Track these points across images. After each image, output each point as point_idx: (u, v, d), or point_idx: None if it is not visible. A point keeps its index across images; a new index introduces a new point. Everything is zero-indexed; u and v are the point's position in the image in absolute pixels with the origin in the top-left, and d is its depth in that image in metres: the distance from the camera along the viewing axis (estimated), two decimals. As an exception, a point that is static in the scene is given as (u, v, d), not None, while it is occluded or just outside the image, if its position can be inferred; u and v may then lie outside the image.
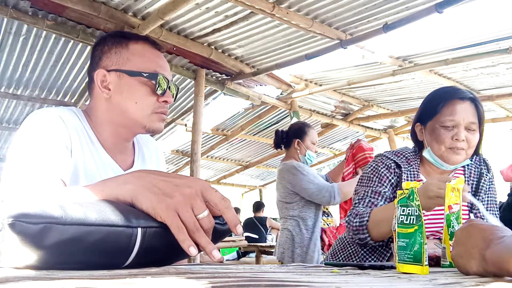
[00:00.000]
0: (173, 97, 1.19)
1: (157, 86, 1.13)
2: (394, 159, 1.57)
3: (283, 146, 3.05)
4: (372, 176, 1.57)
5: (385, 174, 1.55)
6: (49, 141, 1.01)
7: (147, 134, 1.37)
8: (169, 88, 1.17)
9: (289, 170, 2.86)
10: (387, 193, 1.54)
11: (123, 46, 1.15)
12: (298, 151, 2.93)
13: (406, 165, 1.56)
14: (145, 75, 1.12)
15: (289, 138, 3.00)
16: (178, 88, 1.25)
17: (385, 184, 1.55)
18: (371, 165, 1.61)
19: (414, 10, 3.09)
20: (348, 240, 1.76)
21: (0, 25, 3.31)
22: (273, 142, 3.14)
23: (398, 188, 1.52)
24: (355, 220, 1.48)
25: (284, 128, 3.11)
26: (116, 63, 1.14)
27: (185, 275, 0.60)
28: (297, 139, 2.93)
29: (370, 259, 1.60)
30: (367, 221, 1.45)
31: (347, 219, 1.53)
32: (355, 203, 1.57)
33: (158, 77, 1.13)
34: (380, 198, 1.53)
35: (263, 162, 8.06)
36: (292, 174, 2.84)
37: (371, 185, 1.56)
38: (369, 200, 1.53)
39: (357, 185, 1.64)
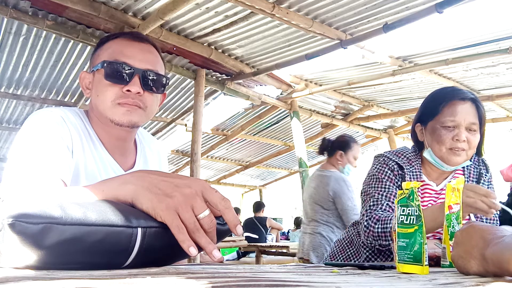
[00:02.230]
0: (150, 86, 1.10)
1: (110, 74, 1.07)
2: (396, 160, 1.55)
3: (326, 153, 3.20)
4: (381, 177, 1.54)
5: (392, 176, 1.53)
6: (50, 141, 1.01)
7: (149, 135, 1.37)
8: (143, 78, 1.08)
9: (337, 180, 2.97)
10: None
11: (100, 46, 1.16)
12: (340, 163, 3.07)
13: (408, 166, 1.54)
14: (99, 66, 1.10)
15: (333, 148, 3.13)
16: (166, 79, 1.16)
17: (395, 186, 1.52)
18: (376, 166, 1.58)
19: (414, 10, 3.09)
20: (347, 242, 1.75)
21: (0, 25, 3.30)
22: (318, 148, 3.32)
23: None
24: (376, 226, 1.43)
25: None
26: (93, 63, 1.15)
27: (185, 275, 0.60)
28: (341, 151, 3.07)
29: (369, 261, 1.60)
30: (391, 228, 1.38)
31: (365, 223, 1.47)
32: (371, 205, 1.50)
33: (115, 65, 1.07)
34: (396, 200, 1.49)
35: (263, 162, 8.06)
36: (339, 184, 2.95)
37: (384, 186, 1.52)
38: (387, 204, 1.48)
39: (365, 186, 1.59)
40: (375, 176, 1.56)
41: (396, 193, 1.49)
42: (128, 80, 1.08)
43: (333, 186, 2.94)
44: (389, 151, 1.62)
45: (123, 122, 1.09)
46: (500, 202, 2.98)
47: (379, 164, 1.57)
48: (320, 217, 2.99)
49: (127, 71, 1.08)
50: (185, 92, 4.76)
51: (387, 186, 1.52)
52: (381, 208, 1.48)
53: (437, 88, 1.61)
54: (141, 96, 1.09)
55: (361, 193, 1.62)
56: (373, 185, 1.55)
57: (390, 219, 1.41)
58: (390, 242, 1.41)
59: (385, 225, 1.42)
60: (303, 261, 3.00)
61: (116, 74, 1.08)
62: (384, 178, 1.53)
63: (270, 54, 3.99)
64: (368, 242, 1.48)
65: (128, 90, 1.08)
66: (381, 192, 1.52)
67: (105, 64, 1.09)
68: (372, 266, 0.93)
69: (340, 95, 5.16)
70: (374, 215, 1.46)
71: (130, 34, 1.16)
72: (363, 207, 1.57)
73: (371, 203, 1.51)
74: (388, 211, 1.48)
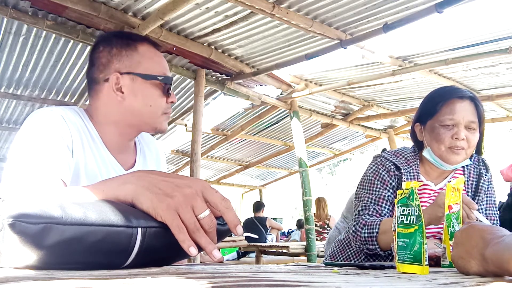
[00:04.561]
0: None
1: (164, 87, 1.16)
2: (394, 160, 1.55)
3: None
4: (373, 179, 1.55)
5: (386, 178, 1.54)
6: (51, 141, 1.01)
7: (149, 135, 1.37)
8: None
9: None
10: (391, 197, 1.52)
11: (132, 49, 1.14)
12: None
13: (406, 166, 1.54)
14: (160, 78, 1.15)
15: None
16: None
17: (388, 188, 1.53)
18: (372, 168, 1.59)
19: (414, 10, 3.09)
20: (347, 243, 1.76)
21: (0, 25, 3.30)
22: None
23: (399, 189, 1.51)
24: (363, 231, 1.46)
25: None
26: (129, 66, 1.13)
27: (185, 275, 0.60)
28: None
29: (369, 261, 1.60)
30: (377, 232, 1.42)
31: (353, 228, 1.50)
32: (360, 210, 1.53)
33: (167, 80, 1.16)
34: (385, 203, 1.51)
35: (263, 162, 8.05)
36: None
37: (374, 189, 1.53)
38: (374, 208, 1.50)
39: (358, 188, 1.61)
40: (368, 178, 1.58)
41: (386, 196, 1.52)
42: (169, 92, 1.18)
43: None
44: (388, 152, 1.62)
45: (166, 129, 1.21)
46: (500, 202, 2.98)
47: (375, 165, 1.58)
48: (350, 216, 3.09)
49: (170, 84, 1.18)
50: (185, 92, 4.75)
51: (377, 189, 1.53)
52: (368, 213, 1.51)
53: (436, 88, 1.61)
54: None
55: (355, 195, 1.62)
56: (364, 188, 1.57)
57: (376, 224, 1.44)
58: (377, 246, 1.44)
59: (371, 230, 1.45)
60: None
61: (168, 87, 1.17)
62: (376, 180, 1.55)
63: (270, 54, 3.99)
64: (357, 246, 1.51)
65: (171, 102, 1.19)
66: (370, 196, 1.53)
67: (161, 78, 1.15)
68: (372, 266, 0.93)
69: (340, 95, 5.16)
70: (361, 220, 1.49)
71: (152, 42, 1.21)
72: (354, 211, 1.59)
73: (360, 208, 1.54)
74: (375, 215, 1.50)
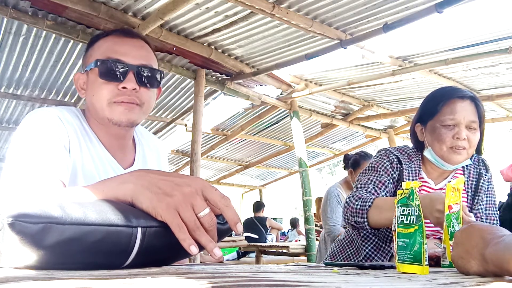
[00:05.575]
0: (145, 82, 1.09)
1: (104, 72, 1.06)
2: (397, 154, 1.57)
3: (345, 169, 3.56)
4: (376, 167, 1.56)
5: (389, 168, 1.55)
6: (48, 141, 1.00)
7: (149, 132, 1.36)
8: (138, 74, 1.08)
9: (326, 194, 3.45)
10: (390, 186, 1.52)
11: (92, 46, 1.15)
12: (351, 179, 3.36)
13: (408, 161, 1.56)
14: (93, 65, 1.09)
15: (348, 165, 3.42)
16: (161, 73, 1.14)
17: (389, 178, 1.54)
18: (376, 158, 1.60)
19: (414, 10, 3.09)
20: (347, 243, 1.76)
21: (0, 25, 3.30)
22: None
23: (399, 183, 1.52)
24: (356, 203, 1.45)
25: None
26: (86, 62, 1.15)
27: (185, 275, 0.60)
28: (351, 169, 3.35)
29: (369, 258, 1.60)
30: (369, 206, 1.41)
31: (347, 200, 1.50)
32: (358, 187, 1.53)
33: (108, 63, 1.06)
34: (383, 188, 1.51)
35: (263, 162, 8.05)
36: (325, 197, 3.41)
37: (376, 175, 1.54)
38: (373, 187, 1.50)
39: (360, 175, 1.62)
40: (371, 165, 1.59)
41: (387, 183, 1.52)
42: (123, 77, 1.07)
43: (324, 201, 3.41)
44: (392, 147, 1.64)
45: (122, 121, 1.09)
46: (500, 202, 2.98)
47: (379, 157, 1.60)
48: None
49: (121, 68, 1.07)
50: (185, 92, 4.75)
51: (379, 175, 1.54)
52: (365, 190, 1.50)
53: (436, 88, 1.61)
54: (137, 92, 1.09)
55: (356, 181, 1.63)
56: (367, 173, 1.58)
57: (371, 199, 1.42)
58: (365, 219, 1.42)
59: (364, 203, 1.43)
60: None
61: (111, 72, 1.07)
62: (379, 168, 1.56)
63: (270, 54, 3.99)
64: (346, 218, 1.50)
65: (123, 87, 1.07)
66: (371, 179, 1.54)
67: (98, 63, 1.08)
68: (372, 266, 0.93)
69: (340, 95, 5.16)
70: (357, 194, 1.49)
71: (121, 31, 1.15)
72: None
73: (359, 186, 1.54)
74: (373, 194, 1.49)
